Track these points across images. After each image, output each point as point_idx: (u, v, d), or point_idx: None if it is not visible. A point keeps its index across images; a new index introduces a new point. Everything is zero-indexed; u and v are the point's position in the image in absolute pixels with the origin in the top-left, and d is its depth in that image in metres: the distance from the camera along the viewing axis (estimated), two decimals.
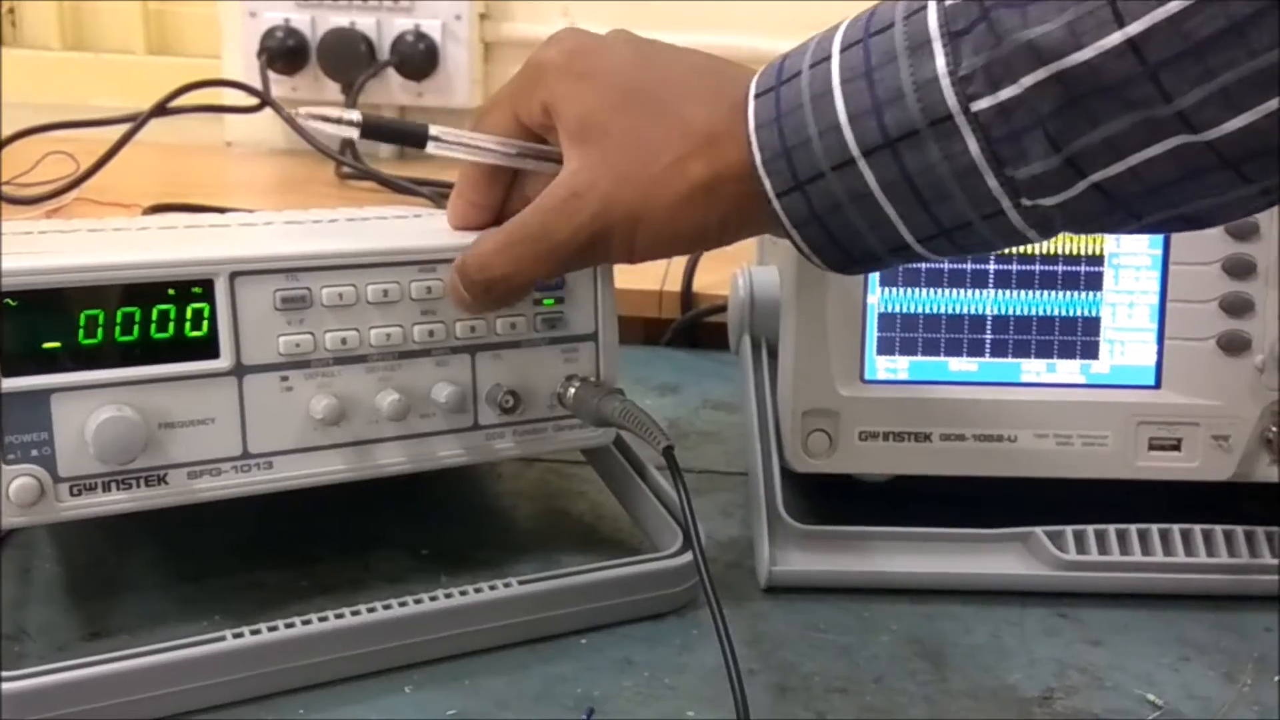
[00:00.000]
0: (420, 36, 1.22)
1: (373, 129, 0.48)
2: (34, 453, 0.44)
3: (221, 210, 0.98)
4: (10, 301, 0.43)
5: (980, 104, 0.36)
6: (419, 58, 1.22)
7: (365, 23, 1.23)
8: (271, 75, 1.24)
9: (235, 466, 0.47)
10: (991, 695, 0.47)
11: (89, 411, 0.44)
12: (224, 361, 0.46)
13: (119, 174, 1.06)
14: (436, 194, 1.07)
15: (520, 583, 0.49)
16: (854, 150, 0.39)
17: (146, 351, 0.45)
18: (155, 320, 0.45)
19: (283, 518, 0.55)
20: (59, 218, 0.99)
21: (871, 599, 0.53)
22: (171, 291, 0.45)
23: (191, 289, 0.46)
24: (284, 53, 1.23)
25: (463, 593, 0.48)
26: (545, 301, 0.52)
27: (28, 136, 1.10)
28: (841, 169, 0.39)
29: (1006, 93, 0.35)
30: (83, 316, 0.44)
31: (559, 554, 0.55)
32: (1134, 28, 0.33)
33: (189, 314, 0.46)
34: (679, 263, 0.87)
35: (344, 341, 0.48)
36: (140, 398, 0.45)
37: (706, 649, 0.49)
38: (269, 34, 1.23)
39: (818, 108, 0.39)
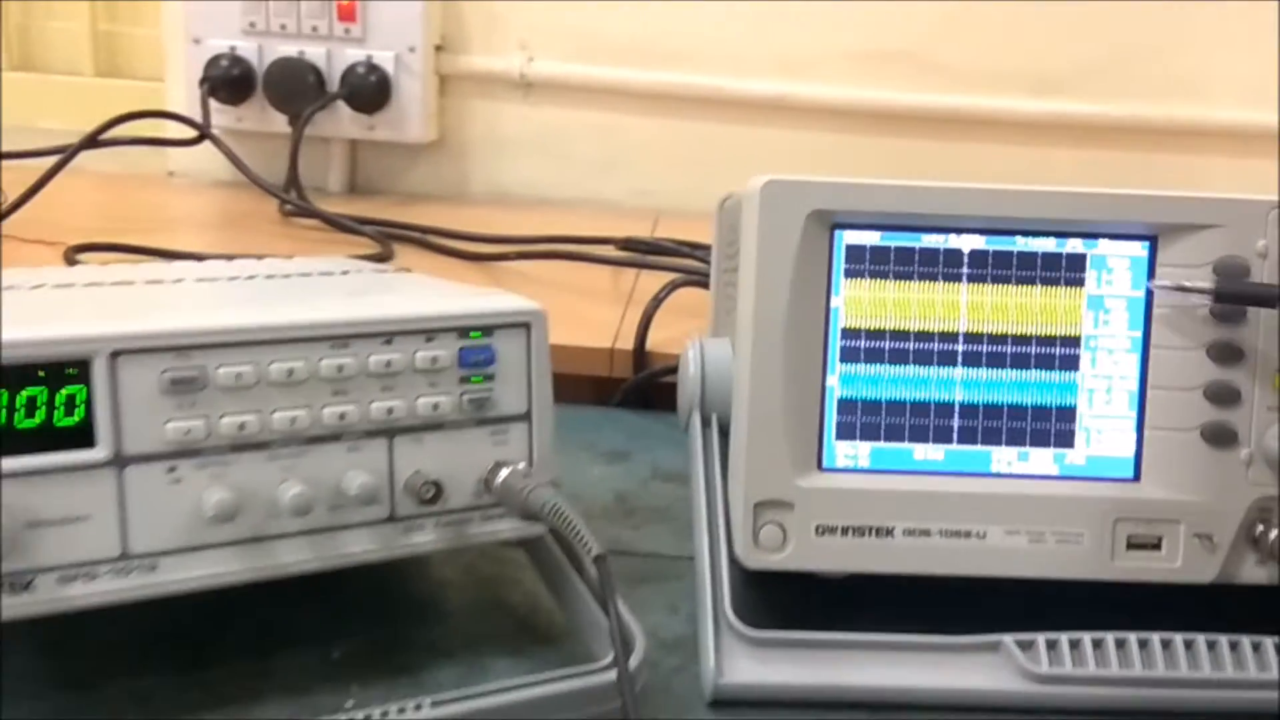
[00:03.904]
0: (372, 68, 1.18)
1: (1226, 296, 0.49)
2: None
3: (149, 252, 0.92)
4: None
5: None
6: (370, 90, 1.17)
7: (315, 53, 1.18)
8: (216, 105, 1.20)
9: (113, 569, 0.42)
10: None
11: None
12: (101, 451, 0.41)
13: (53, 206, 1.01)
14: (380, 233, 1.02)
15: (433, 703, 0.43)
16: None
17: (12, 441, 0.40)
18: (22, 407, 0.40)
19: (176, 610, 0.49)
20: None
21: (828, 712, 0.48)
22: (42, 374, 0.40)
23: (65, 370, 0.41)
24: (228, 82, 1.18)
25: (366, 718, 0.43)
26: (473, 379, 0.48)
27: None
28: None
29: None
30: None
31: (487, 657, 0.50)
32: None
33: (61, 399, 0.41)
34: (632, 319, 0.83)
35: (242, 427, 0.43)
36: (3, 493, 0.40)
37: None
38: (213, 62, 1.18)
39: None
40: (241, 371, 0.43)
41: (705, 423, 0.56)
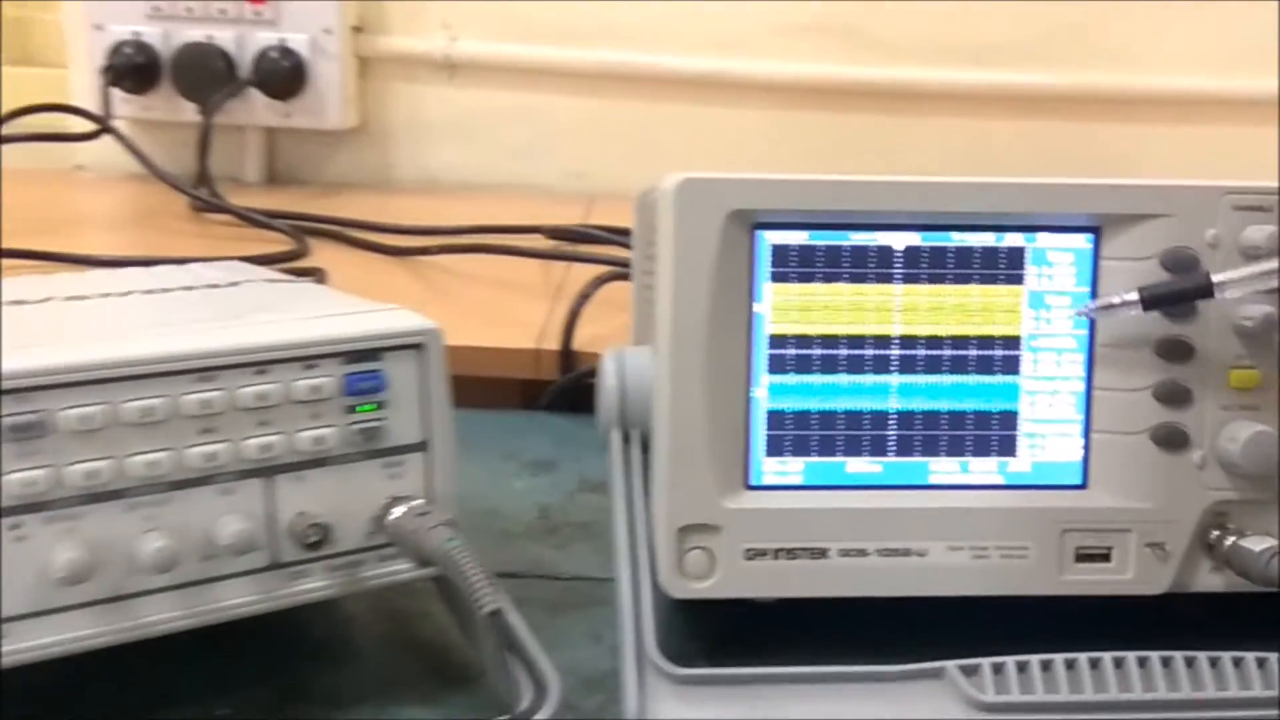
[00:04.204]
0: (286, 52, 1.12)
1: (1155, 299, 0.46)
2: None
3: (42, 256, 0.87)
4: None
5: None
6: (284, 75, 1.12)
7: (224, 37, 1.12)
8: (121, 95, 1.13)
9: None
10: None
11: None
12: None
13: None
14: (295, 228, 0.97)
15: None
16: None
17: None
18: None
19: (40, 670, 0.44)
20: None
21: None
22: None
23: None
24: (133, 70, 1.12)
25: None
26: (361, 407, 0.43)
27: None
28: None
29: None
30: None
31: (394, 706, 0.46)
32: None
33: None
34: (561, 315, 0.78)
35: (93, 475, 0.38)
36: None
37: None
38: (116, 49, 1.12)
39: None
40: (90, 413, 0.38)
41: (625, 439, 0.52)
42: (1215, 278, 0.46)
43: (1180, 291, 0.47)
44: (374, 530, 0.43)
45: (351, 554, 0.43)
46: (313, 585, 0.43)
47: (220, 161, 1.14)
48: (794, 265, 0.48)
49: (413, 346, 0.44)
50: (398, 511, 0.43)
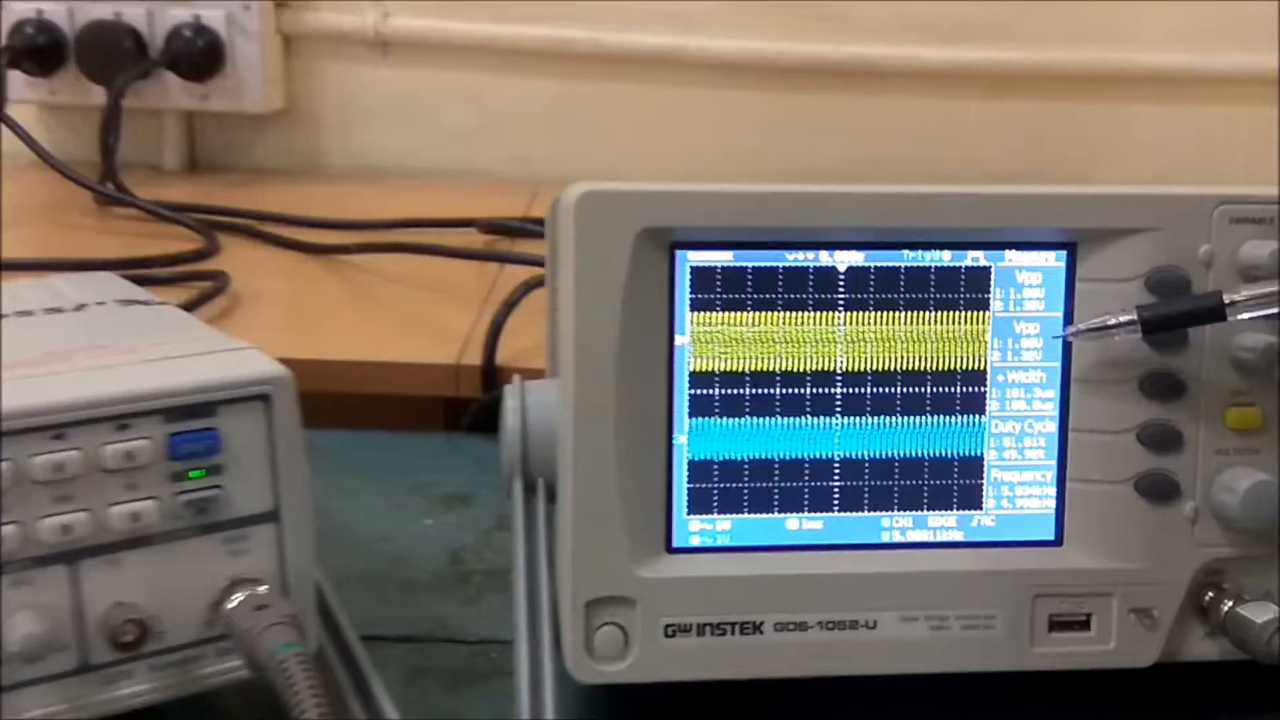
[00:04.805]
0: (200, 30, 1.03)
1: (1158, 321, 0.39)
2: None
3: None
4: None
5: None
6: (199, 54, 1.03)
7: (134, 13, 1.03)
8: (25, 78, 1.05)
9: None
10: None
11: None
12: None
13: None
14: (206, 223, 0.89)
15: None
16: None
17: None
18: None
19: None
20: None
21: None
22: None
23: None
24: (35, 51, 1.03)
25: None
26: (191, 473, 0.36)
27: None
28: None
29: None
30: None
31: None
32: None
33: None
34: (482, 327, 0.71)
35: None
36: None
37: None
38: (17, 28, 1.03)
39: None
40: None
41: (529, 489, 0.45)
42: (1228, 296, 0.39)
43: (1188, 313, 0.40)
44: (211, 619, 0.36)
45: (183, 649, 0.36)
46: (134, 690, 0.36)
47: (138, 148, 1.06)
48: (719, 290, 0.41)
49: (256, 398, 0.37)
50: (234, 601, 0.35)
